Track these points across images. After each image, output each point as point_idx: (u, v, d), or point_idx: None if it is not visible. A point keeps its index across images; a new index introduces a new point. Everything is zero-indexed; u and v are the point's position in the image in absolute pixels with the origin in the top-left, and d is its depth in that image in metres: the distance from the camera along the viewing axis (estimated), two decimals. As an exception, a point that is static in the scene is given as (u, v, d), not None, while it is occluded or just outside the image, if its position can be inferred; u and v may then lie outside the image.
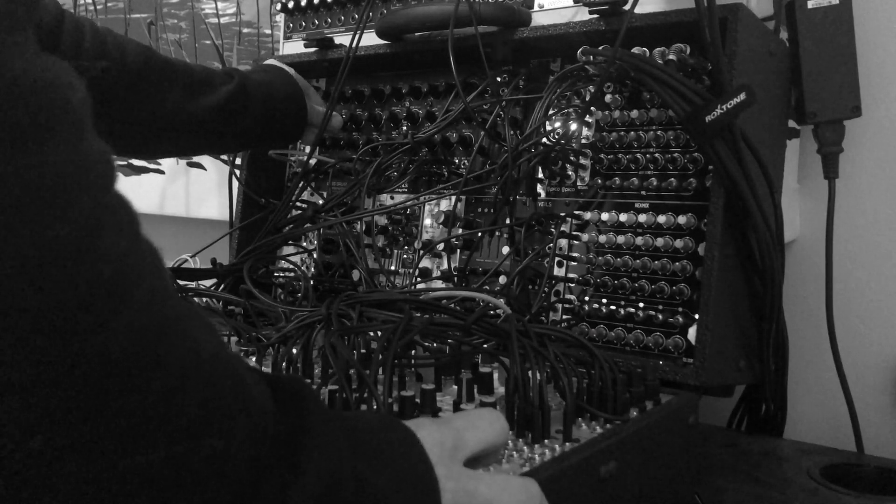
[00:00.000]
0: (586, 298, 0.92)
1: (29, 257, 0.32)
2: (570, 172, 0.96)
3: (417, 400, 0.66)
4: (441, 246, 1.05)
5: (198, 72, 1.03)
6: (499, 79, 1.05)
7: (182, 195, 1.59)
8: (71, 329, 0.33)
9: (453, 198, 1.05)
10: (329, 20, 1.22)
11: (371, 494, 0.42)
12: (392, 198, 1.14)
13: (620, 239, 0.90)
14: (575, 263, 0.93)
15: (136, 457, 0.35)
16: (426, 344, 0.78)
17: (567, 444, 0.60)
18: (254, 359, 0.80)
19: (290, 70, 1.14)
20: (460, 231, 1.04)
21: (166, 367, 0.36)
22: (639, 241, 0.88)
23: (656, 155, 0.89)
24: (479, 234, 1.02)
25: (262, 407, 0.41)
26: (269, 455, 0.40)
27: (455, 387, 0.71)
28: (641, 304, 0.88)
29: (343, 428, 0.44)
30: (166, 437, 0.36)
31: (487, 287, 0.98)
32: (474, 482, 0.48)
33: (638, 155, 0.91)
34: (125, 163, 1.68)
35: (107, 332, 0.34)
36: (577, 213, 0.94)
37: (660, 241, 0.87)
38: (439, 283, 1.05)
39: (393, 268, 1.12)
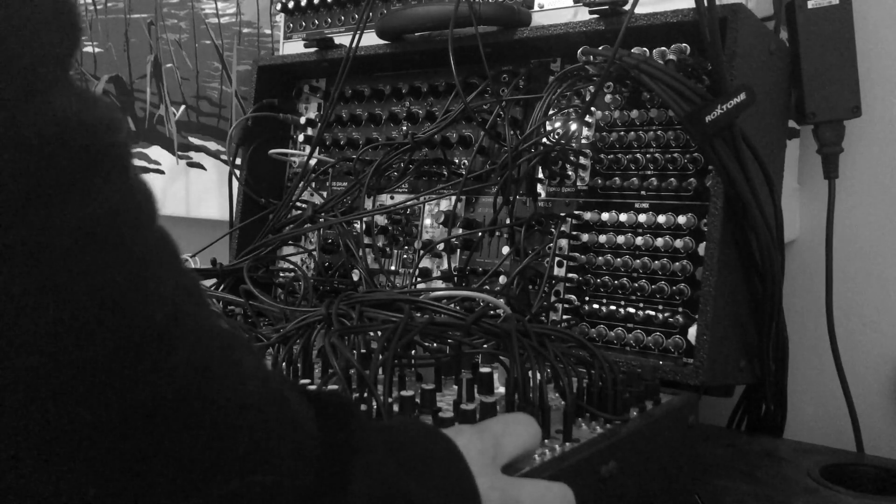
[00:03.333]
0: (586, 298, 0.92)
1: (83, 305, 0.31)
2: (570, 172, 0.96)
3: (417, 400, 0.66)
4: (441, 246, 1.05)
5: None
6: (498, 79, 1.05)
7: (182, 195, 1.59)
8: (125, 375, 0.32)
9: (453, 198, 1.05)
10: (329, 20, 1.22)
11: None
12: (392, 198, 1.14)
13: (620, 239, 0.90)
14: (575, 263, 0.93)
15: (191, 499, 0.34)
16: (426, 344, 0.78)
17: (567, 444, 0.60)
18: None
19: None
20: (460, 231, 1.04)
21: (216, 405, 0.35)
22: (639, 241, 0.88)
23: (656, 155, 0.89)
24: (479, 234, 1.02)
25: (308, 431, 0.40)
26: (317, 481, 0.39)
27: (455, 387, 0.71)
28: (641, 304, 0.88)
29: (387, 442, 0.43)
30: (220, 476, 0.35)
31: (487, 287, 0.98)
32: (517, 489, 0.48)
33: (638, 155, 0.91)
34: (125, 163, 1.68)
35: (159, 375, 0.33)
36: (577, 213, 0.94)
37: (660, 241, 0.87)
38: (439, 283, 1.05)
39: (393, 268, 1.12)
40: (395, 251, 1.12)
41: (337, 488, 0.39)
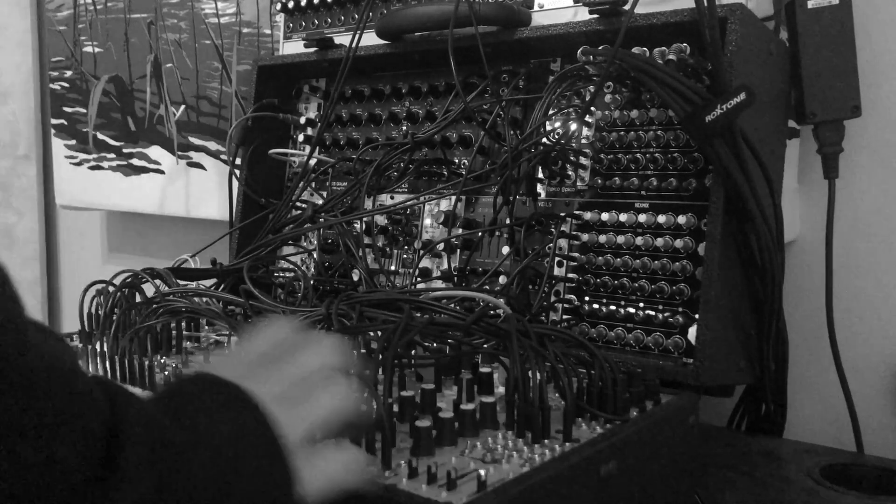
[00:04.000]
0: (586, 298, 0.92)
1: None
2: (570, 172, 0.96)
3: (417, 400, 0.66)
4: (441, 246, 1.05)
5: None
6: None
7: (182, 195, 1.59)
8: None
9: (453, 198, 1.05)
10: (329, 20, 1.22)
11: (206, 460, 0.41)
12: (392, 198, 1.14)
13: (620, 239, 0.90)
14: (575, 263, 0.93)
15: None
16: (426, 344, 0.78)
17: (567, 444, 0.60)
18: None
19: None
20: (460, 231, 1.04)
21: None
22: (639, 241, 0.88)
23: (656, 155, 0.89)
24: (479, 234, 1.02)
25: (98, 407, 0.39)
26: (92, 458, 0.38)
27: (455, 387, 0.71)
28: (641, 304, 0.88)
29: (160, 404, 0.43)
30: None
31: (487, 287, 0.98)
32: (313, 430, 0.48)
33: (638, 155, 0.91)
34: (125, 163, 1.68)
35: None
36: (577, 213, 0.94)
37: (660, 241, 0.87)
38: (439, 283, 1.05)
39: (393, 268, 1.12)
40: (395, 251, 1.12)
41: (107, 460, 0.39)
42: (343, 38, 1.15)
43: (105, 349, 0.87)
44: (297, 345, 0.52)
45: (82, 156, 1.77)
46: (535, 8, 1.00)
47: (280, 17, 1.29)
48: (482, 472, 0.52)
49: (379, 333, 0.74)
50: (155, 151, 1.63)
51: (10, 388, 0.36)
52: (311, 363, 0.51)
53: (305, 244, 1.20)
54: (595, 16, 0.91)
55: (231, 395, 0.45)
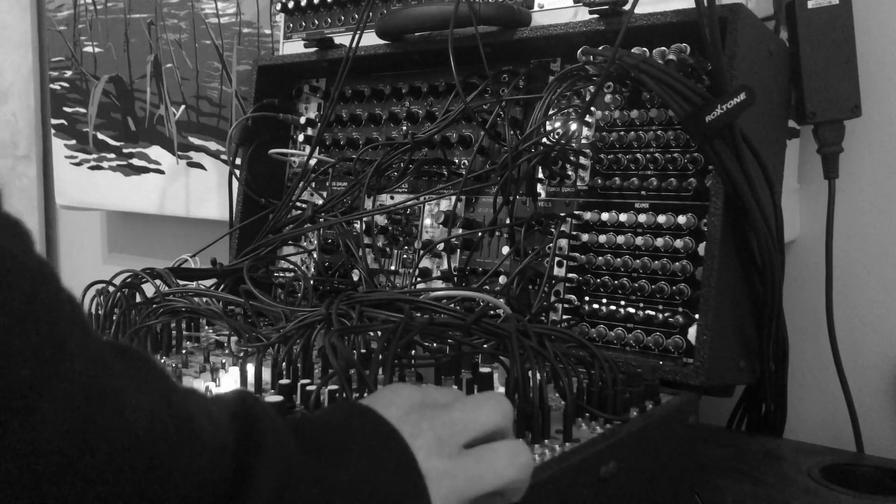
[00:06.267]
0: (586, 298, 0.92)
1: None
2: (570, 172, 0.96)
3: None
4: (441, 246, 1.05)
5: None
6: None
7: (182, 195, 1.59)
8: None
9: (453, 198, 1.05)
10: (329, 20, 1.22)
11: (337, 492, 0.40)
12: (392, 198, 1.14)
13: (620, 239, 0.90)
14: (575, 263, 0.93)
15: None
16: (426, 344, 0.78)
17: (567, 444, 0.60)
18: (253, 359, 0.80)
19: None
20: (460, 231, 1.04)
21: (96, 450, 0.34)
22: (639, 241, 0.88)
23: (656, 155, 0.89)
24: (479, 234, 1.02)
25: (215, 443, 0.39)
26: (223, 490, 0.38)
27: (455, 387, 0.71)
28: (641, 304, 0.88)
29: (295, 433, 0.42)
30: None
31: (487, 287, 0.98)
32: (475, 466, 0.43)
33: (638, 155, 0.91)
34: (125, 163, 1.68)
35: (35, 418, 0.32)
36: (577, 213, 0.94)
37: (660, 241, 0.87)
38: (439, 283, 1.05)
39: (393, 268, 1.12)
40: (395, 251, 1.12)
41: (240, 493, 0.38)
42: (343, 38, 1.15)
43: (105, 349, 0.86)
44: (459, 397, 0.48)
45: (82, 156, 1.77)
46: (535, 8, 1.00)
47: (280, 17, 1.29)
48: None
49: (379, 333, 0.74)
50: (155, 151, 1.63)
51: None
52: (483, 419, 0.46)
53: (305, 244, 1.20)
54: (595, 16, 0.91)
55: (386, 443, 0.42)
